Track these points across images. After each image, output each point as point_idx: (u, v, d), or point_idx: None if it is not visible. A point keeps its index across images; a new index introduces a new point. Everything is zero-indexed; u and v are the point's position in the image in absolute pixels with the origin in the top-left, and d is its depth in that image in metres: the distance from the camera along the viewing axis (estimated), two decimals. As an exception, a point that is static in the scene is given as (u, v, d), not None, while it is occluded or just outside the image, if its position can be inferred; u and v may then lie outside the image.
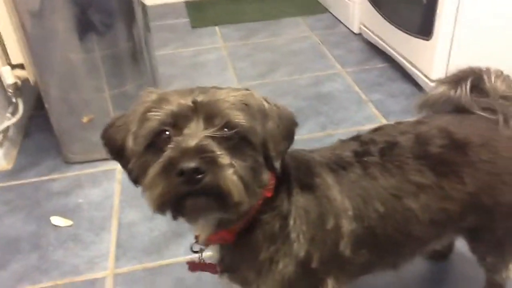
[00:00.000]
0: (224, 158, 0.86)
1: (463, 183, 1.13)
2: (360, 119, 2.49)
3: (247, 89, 0.99)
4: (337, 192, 1.09)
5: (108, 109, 2.30)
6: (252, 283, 1.09)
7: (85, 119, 2.35)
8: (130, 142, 0.95)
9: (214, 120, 0.89)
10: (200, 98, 0.91)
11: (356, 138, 1.21)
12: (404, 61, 2.73)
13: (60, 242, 1.88)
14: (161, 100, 0.94)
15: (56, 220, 1.98)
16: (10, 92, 2.34)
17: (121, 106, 2.28)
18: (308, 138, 2.35)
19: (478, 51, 2.34)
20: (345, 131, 2.37)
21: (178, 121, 0.90)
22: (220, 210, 0.89)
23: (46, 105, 2.28)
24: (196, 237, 1.12)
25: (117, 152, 0.99)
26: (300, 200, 1.06)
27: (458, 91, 1.24)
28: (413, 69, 2.65)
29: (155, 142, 0.90)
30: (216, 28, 3.76)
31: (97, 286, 1.68)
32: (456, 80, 1.26)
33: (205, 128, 0.88)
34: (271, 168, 0.98)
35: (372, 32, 3.13)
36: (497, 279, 1.38)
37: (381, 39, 3.00)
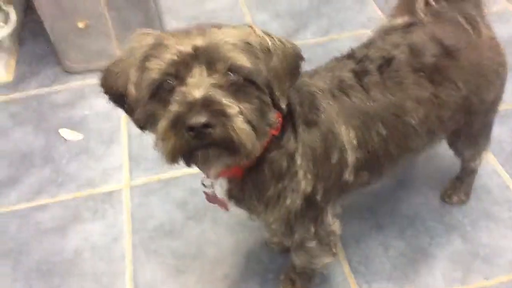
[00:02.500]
0: (232, 107, 0.86)
1: (457, 89, 1.19)
2: (363, 20, 2.43)
3: (248, 25, 0.96)
4: (341, 124, 1.11)
5: (103, 13, 2.21)
6: (258, 212, 1.16)
7: (80, 25, 2.25)
8: (132, 90, 0.94)
9: (217, 65, 0.88)
10: (199, 42, 0.88)
11: (351, 55, 1.21)
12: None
13: (72, 155, 1.92)
14: (159, 45, 0.91)
15: (65, 132, 2.01)
16: (-1, -1, 2.23)
17: (116, 10, 2.19)
18: (313, 43, 2.31)
19: None
20: (350, 35, 2.33)
21: (180, 70, 0.88)
22: (231, 158, 0.91)
23: (38, 11, 2.18)
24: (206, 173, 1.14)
25: (119, 100, 0.98)
26: (306, 137, 1.08)
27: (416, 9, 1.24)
28: None
29: (159, 92, 0.90)
30: None
31: (114, 198, 1.76)
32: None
33: (209, 75, 0.87)
34: (277, 106, 0.98)
35: None
36: (471, 165, 1.55)
37: None
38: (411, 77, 1.16)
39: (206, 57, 0.88)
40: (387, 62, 1.17)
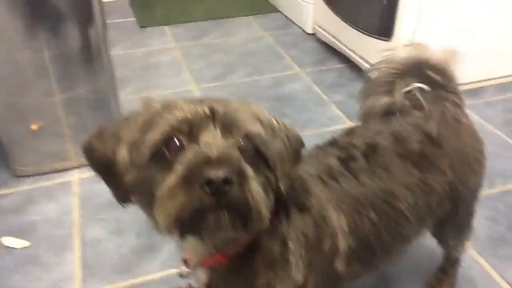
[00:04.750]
0: (249, 169, 0.78)
1: (444, 175, 1.18)
2: (325, 120, 2.47)
3: (257, 105, 0.92)
4: (332, 209, 1.06)
5: (59, 115, 2.12)
6: None
7: (34, 127, 2.16)
8: (123, 154, 0.84)
9: (233, 130, 0.81)
10: (216, 106, 0.83)
11: (334, 143, 1.19)
12: (363, 62, 2.75)
13: (17, 265, 1.70)
14: (169, 107, 0.84)
15: (9, 241, 1.79)
16: None
17: (73, 112, 2.12)
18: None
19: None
20: (314, 133, 2.35)
21: (193, 129, 0.80)
22: (243, 227, 0.79)
23: (-11, 114, 2.07)
24: (185, 261, 1.02)
25: (105, 167, 0.87)
26: (298, 222, 1.01)
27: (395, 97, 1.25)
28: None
29: (163, 152, 0.80)
30: (166, 28, 3.62)
31: (65, 314, 1.54)
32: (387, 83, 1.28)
33: (224, 138, 0.80)
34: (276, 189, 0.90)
35: (328, 33, 3.12)
36: (455, 255, 1.50)
37: (337, 40, 3.01)
38: (398, 164, 1.14)
39: (223, 120, 0.81)
40: (372, 149, 1.15)
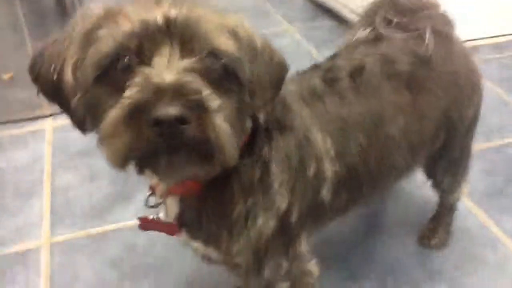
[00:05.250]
0: (213, 100, 0.65)
1: (436, 98, 1.08)
2: (313, 75, 2.35)
3: (237, 17, 0.78)
4: (316, 130, 0.95)
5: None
6: (219, 242, 0.90)
7: (5, 76, 2.11)
8: (68, 74, 0.72)
9: (194, 45, 0.68)
10: (173, 13, 0.68)
11: (316, 67, 1.07)
12: (356, 17, 2.62)
13: (-21, 211, 1.58)
14: (114, 15, 0.70)
15: (-27, 187, 1.67)
16: None
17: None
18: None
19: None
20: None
21: (143, 45, 0.66)
22: (204, 166, 0.67)
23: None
24: (152, 188, 0.91)
25: (52, 88, 0.74)
26: (280, 144, 0.89)
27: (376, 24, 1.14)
28: (365, 24, 2.55)
29: (109, 73, 0.67)
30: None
31: (30, 258, 1.42)
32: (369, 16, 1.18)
33: (182, 57, 0.67)
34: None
35: (319, -11, 2.99)
36: (450, 199, 1.39)
37: (330, -4, 2.88)
38: (387, 84, 1.04)
39: (181, 33, 0.67)
40: (358, 70, 1.04)
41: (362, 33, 1.18)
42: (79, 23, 0.73)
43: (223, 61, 0.69)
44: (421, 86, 1.07)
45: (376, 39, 1.14)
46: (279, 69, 0.83)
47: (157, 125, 0.60)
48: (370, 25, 1.17)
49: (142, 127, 0.61)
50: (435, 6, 1.18)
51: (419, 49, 1.09)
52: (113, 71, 0.67)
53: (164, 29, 0.67)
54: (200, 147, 0.64)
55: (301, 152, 0.92)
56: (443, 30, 1.14)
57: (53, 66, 0.73)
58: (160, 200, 0.90)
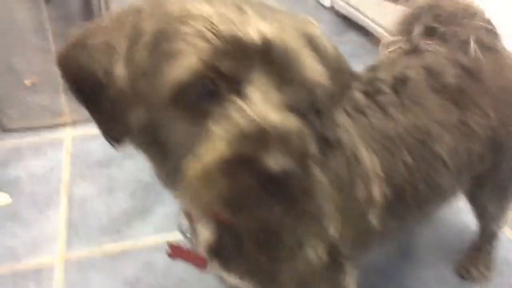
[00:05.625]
0: (312, 145, 0.57)
1: (486, 116, 1.00)
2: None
3: (310, 21, 0.68)
4: (363, 147, 0.87)
5: (55, 71, 1.96)
6: (259, 274, 0.81)
7: (28, 82, 2.07)
8: (121, 74, 0.60)
9: (290, 75, 0.57)
10: (268, 30, 0.57)
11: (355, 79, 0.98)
12: (385, 32, 2.54)
13: (-6, 221, 1.52)
14: (195, 18, 0.57)
15: (-12, 195, 1.62)
16: None
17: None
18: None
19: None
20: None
21: (235, 69, 0.55)
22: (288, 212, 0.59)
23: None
24: (188, 214, 0.82)
25: (90, 88, 0.62)
26: (331, 162, 0.81)
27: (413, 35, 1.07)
28: (395, 39, 2.47)
29: (188, 95, 0.56)
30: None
31: (44, 275, 1.35)
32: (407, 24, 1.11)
33: (278, 87, 0.57)
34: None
35: (347, 3, 2.93)
36: (492, 227, 1.29)
37: (357, 10, 2.81)
38: (433, 98, 0.96)
39: (278, 58, 0.57)
40: (401, 82, 0.96)
41: (400, 43, 1.11)
42: (148, 12, 0.62)
43: (314, 94, 0.61)
44: (469, 101, 0.99)
45: (416, 49, 1.07)
46: (347, 77, 0.74)
47: (263, 178, 0.52)
48: (408, 35, 1.10)
49: (242, 177, 0.52)
50: (479, 13, 1.09)
51: (465, 61, 1.01)
52: (194, 94, 0.56)
53: (260, 51, 0.56)
54: (296, 198, 0.56)
55: (351, 172, 0.84)
56: (488, 40, 1.06)
57: (98, 61, 0.61)
58: (194, 225, 0.82)
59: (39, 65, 2.08)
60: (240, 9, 0.58)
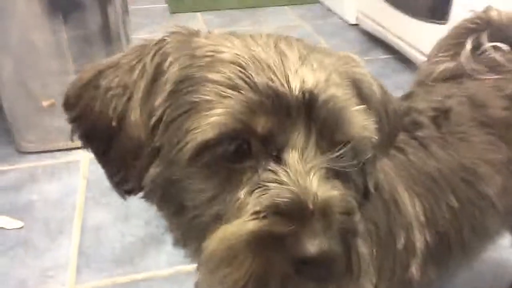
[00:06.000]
0: (358, 220, 0.50)
1: None
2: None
3: (358, 64, 0.62)
4: (402, 189, 0.78)
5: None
6: None
7: (45, 104, 2.03)
8: (137, 122, 0.54)
9: (334, 135, 0.51)
10: (310, 80, 0.50)
11: None
12: (412, 50, 2.45)
13: (5, 247, 1.47)
14: (216, 60, 0.52)
15: (2, 220, 1.57)
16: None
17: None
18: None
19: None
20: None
21: (272, 130, 0.49)
22: None
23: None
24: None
25: (100, 134, 0.57)
26: (369, 209, 0.72)
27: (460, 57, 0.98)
28: (423, 58, 2.37)
29: (215, 154, 0.50)
30: (198, 14, 3.42)
31: (51, 308, 1.29)
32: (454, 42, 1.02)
33: (319, 149, 0.50)
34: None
35: (373, 21, 2.84)
36: None
37: (384, 28, 2.72)
38: (479, 134, 0.87)
39: (322, 113, 0.50)
40: (443, 115, 0.87)
41: (442, 66, 1.02)
42: (152, 52, 0.56)
43: (358, 150, 0.54)
44: None
45: (458, 75, 0.97)
46: (398, 120, 0.67)
47: (300, 263, 0.44)
48: (453, 55, 1.01)
49: (273, 256, 0.45)
50: None
51: None
52: (221, 152, 0.50)
53: (302, 105, 0.49)
54: (334, 280, 0.48)
55: (389, 219, 0.75)
56: None
57: (114, 104, 0.55)
58: None
59: (56, 87, 2.04)
60: (279, 51, 0.52)
